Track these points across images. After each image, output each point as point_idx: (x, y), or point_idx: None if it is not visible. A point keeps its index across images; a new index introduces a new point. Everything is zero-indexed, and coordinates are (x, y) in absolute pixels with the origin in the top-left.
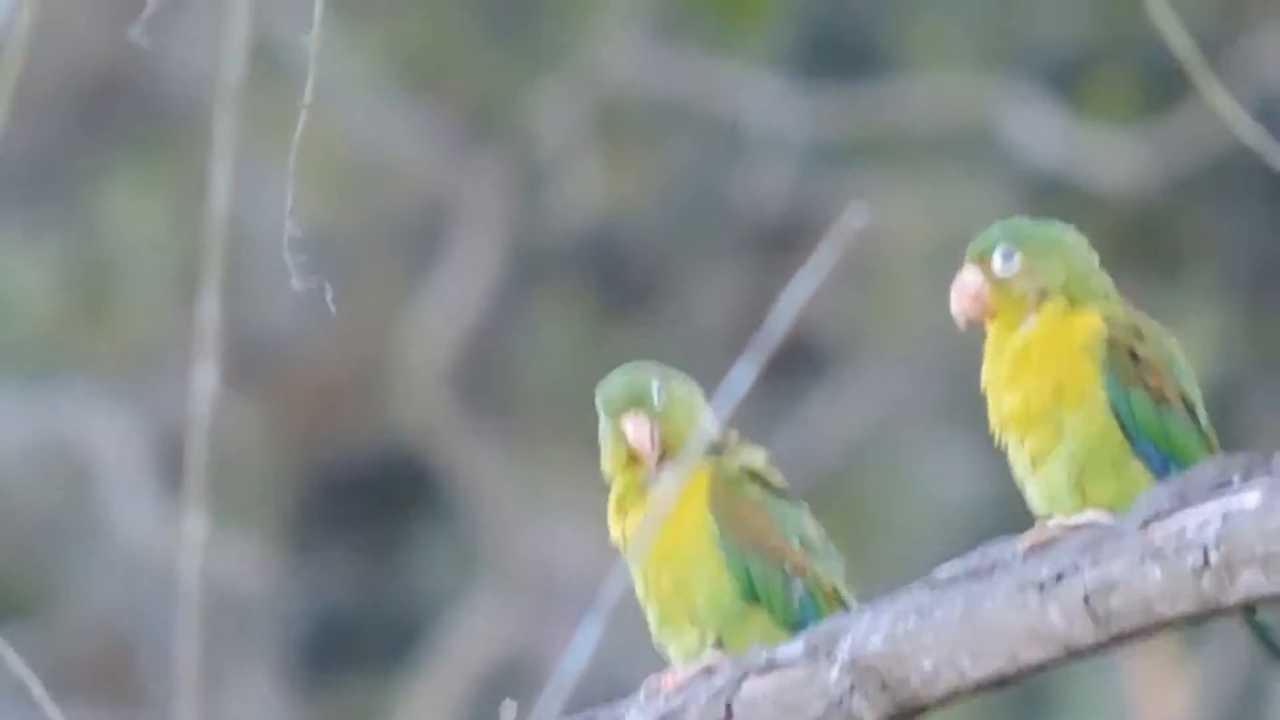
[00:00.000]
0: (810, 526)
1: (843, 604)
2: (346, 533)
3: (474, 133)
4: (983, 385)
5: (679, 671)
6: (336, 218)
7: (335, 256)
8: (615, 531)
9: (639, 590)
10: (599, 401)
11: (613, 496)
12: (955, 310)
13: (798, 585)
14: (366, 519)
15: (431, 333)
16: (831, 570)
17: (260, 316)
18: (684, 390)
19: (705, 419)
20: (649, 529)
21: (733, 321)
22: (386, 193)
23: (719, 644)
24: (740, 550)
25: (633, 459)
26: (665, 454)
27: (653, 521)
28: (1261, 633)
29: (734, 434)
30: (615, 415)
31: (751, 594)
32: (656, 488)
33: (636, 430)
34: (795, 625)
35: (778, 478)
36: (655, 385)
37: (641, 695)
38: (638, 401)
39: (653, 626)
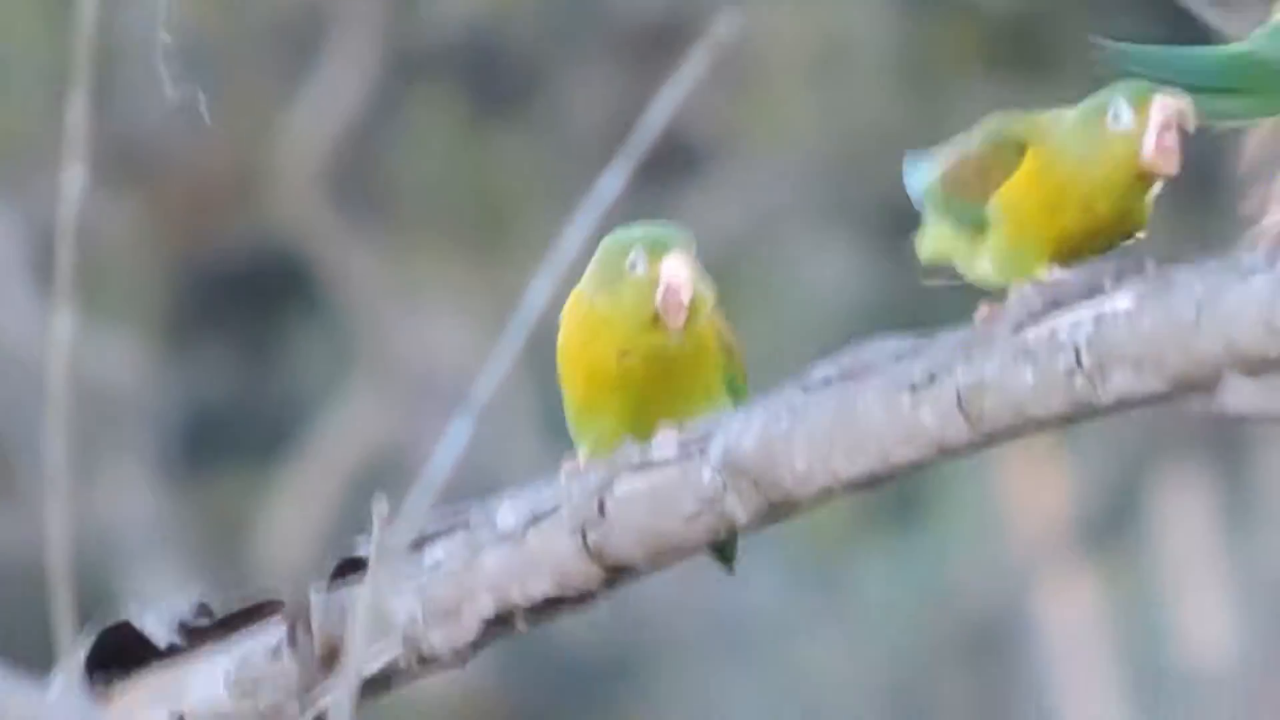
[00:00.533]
0: None
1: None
2: (222, 330)
3: None
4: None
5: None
6: (212, 20)
7: (211, 58)
8: (607, 365)
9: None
10: (622, 245)
11: (589, 318)
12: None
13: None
14: (242, 316)
15: (307, 133)
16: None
17: (136, 118)
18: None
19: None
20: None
21: (609, 124)
22: None
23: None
24: (738, 383)
25: (655, 320)
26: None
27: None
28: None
29: None
30: (658, 256)
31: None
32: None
33: (681, 271)
34: None
35: None
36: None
37: (562, 477)
38: (685, 246)
39: (593, 429)
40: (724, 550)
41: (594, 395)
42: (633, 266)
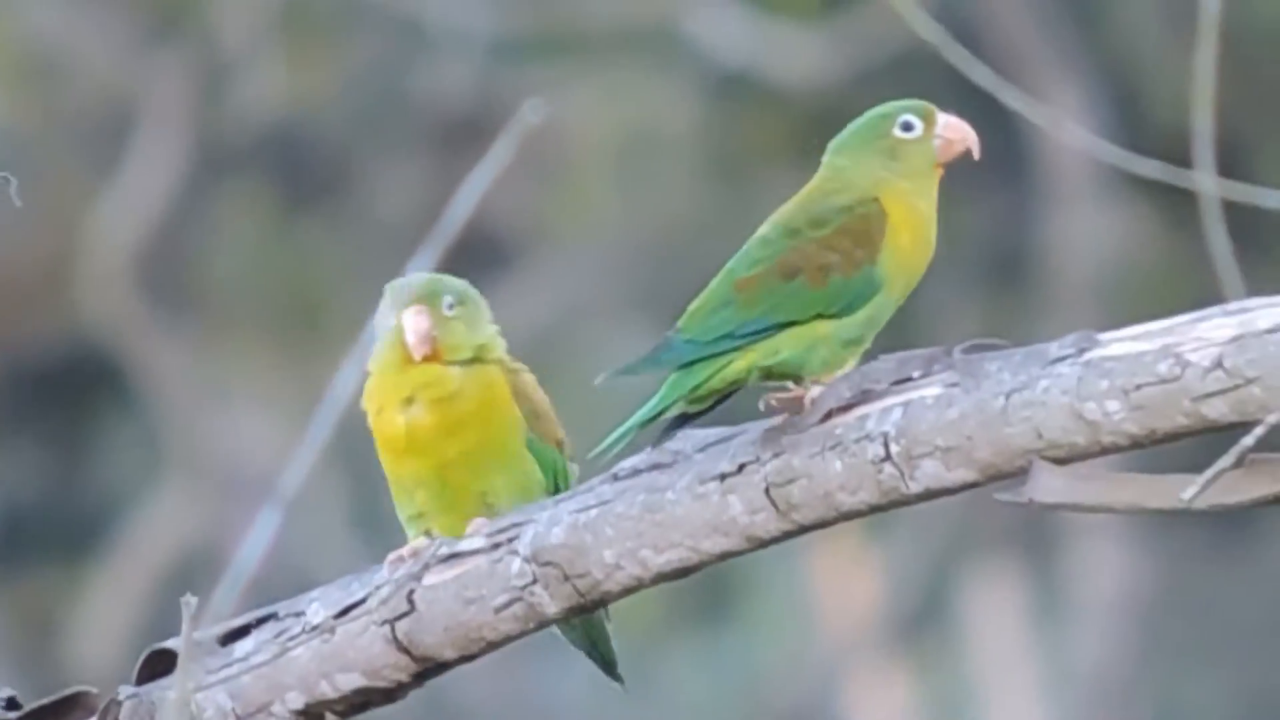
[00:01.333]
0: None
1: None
2: (32, 427)
3: (156, 30)
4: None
5: (416, 543)
6: (18, 115)
7: (18, 153)
8: (395, 425)
9: (403, 480)
10: (387, 295)
11: (372, 388)
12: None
13: (574, 468)
14: (52, 413)
15: (116, 228)
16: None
17: None
18: (473, 305)
19: (489, 330)
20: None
21: (416, 215)
22: (69, 90)
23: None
24: (546, 445)
25: (407, 358)
26: (434, 357)
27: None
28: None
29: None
30: (401, 308)
31: (554, 487)
32: (450, 386)
33: (417, 322)
34: None
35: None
36: (448, 299)
37: (386, 567)
38: (429, 298)
39: (412, 509)
40: (607, 663)
41: (396, 463)
42: (383, 321)
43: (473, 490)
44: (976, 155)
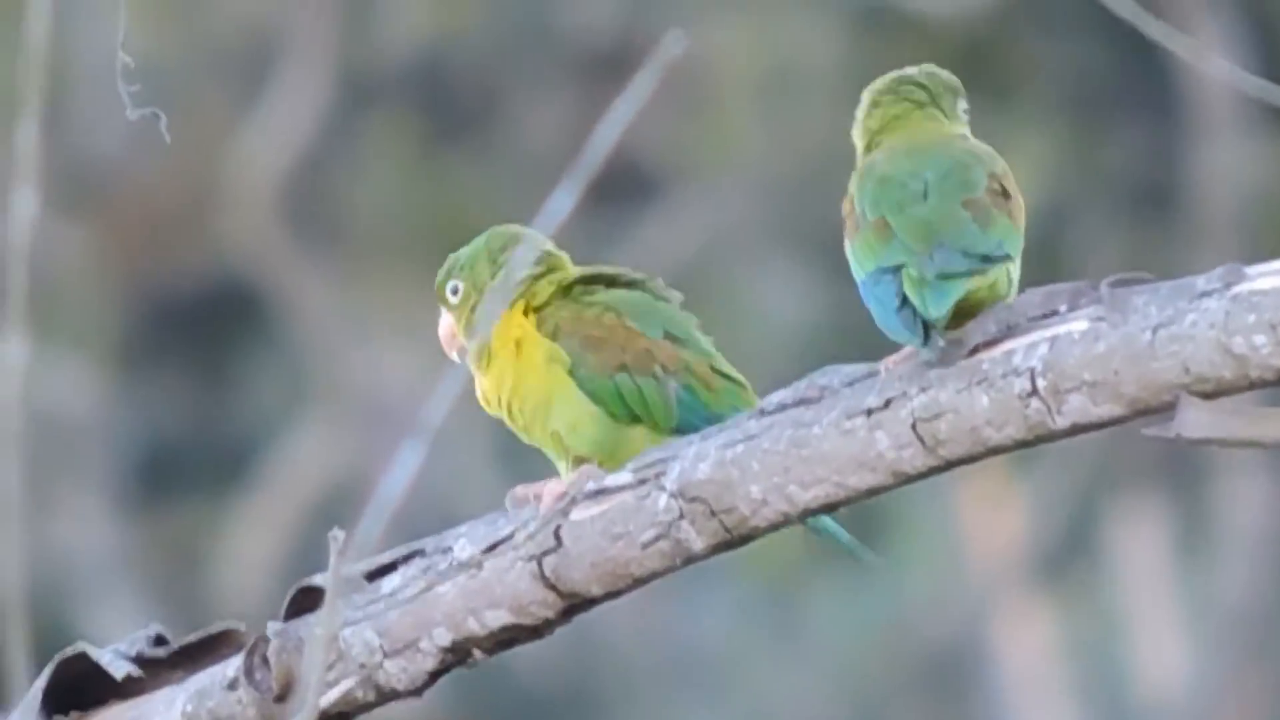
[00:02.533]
0: (670, 310)
1: (728, 380)
2: (176, 359)
3: None
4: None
5: (552, 484)
6: (164, 46)
7: (163, 84)
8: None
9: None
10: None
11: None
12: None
13: (673, 387)
14: (196, 344)
15: (260, 160)
16: (703, 351)
17: (89, 144)
18: (482, 268)
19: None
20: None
21: (561, 148)
22: (214, 21)
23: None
24: (601, 375)
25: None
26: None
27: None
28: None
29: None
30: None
31: (628, 414)
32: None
33: (441, 325)
34: (679, 429)
35: (625, 272)
36: (451, 285)
37: (508, 502)
38: (439, 291)
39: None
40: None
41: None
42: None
43: (550, 441)
44: None
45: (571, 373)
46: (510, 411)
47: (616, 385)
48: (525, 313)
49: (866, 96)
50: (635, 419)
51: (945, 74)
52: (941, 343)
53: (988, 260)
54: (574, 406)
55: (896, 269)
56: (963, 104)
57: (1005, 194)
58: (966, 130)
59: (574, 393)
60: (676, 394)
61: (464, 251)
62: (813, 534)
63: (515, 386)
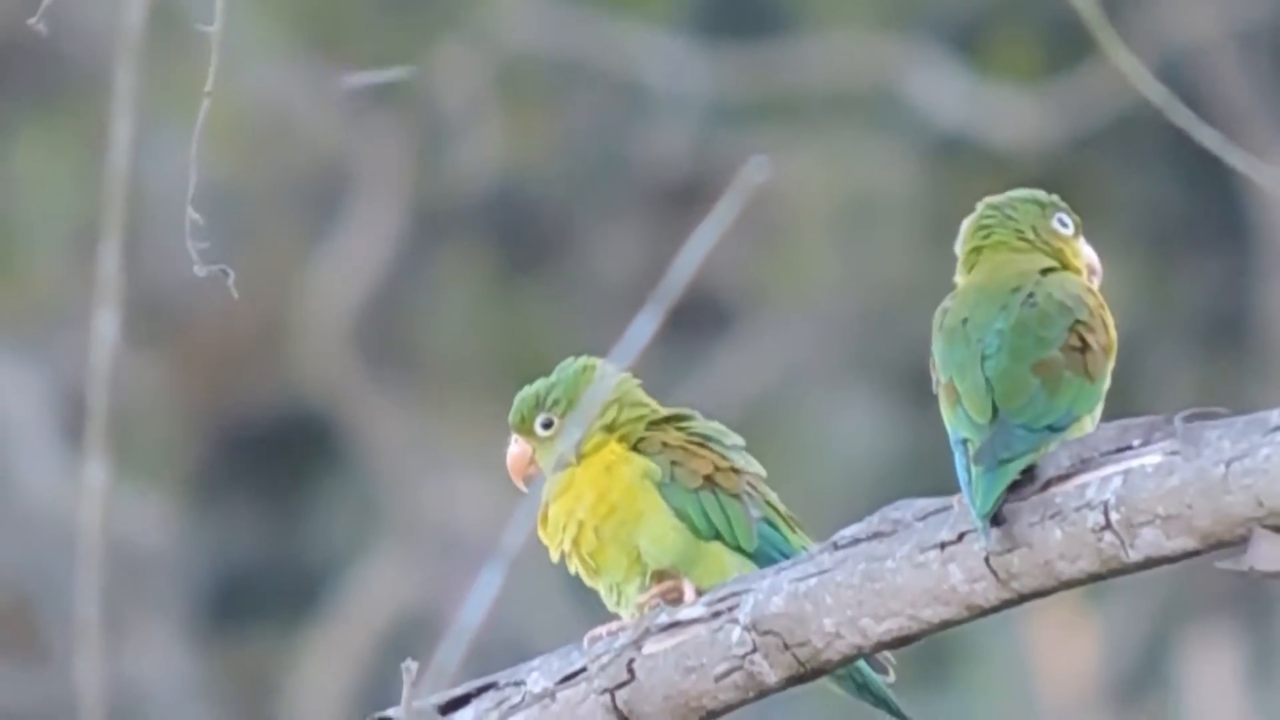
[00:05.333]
0: (746, 455)
1: (796, 527)
2: (249, 489)
3: (375, 93)
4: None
5: (622, 621)
6: (239, 177)
7: (238, 215)
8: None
9: (571, 566)
10: None
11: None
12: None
13: (754, 511)
14: (269, 475)
15: (333, 291)
16: (775, 497)
17: (163, 274)
18: (578, 403)
19: (604, 417)
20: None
21: (635, 279)
22: (288, 152)
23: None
24: (688, 489)
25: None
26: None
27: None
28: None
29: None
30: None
31: (710, 530)
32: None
33: (511, 454)
34: (756, 555)
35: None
36: (541, 418)
37: (585, 643)
38: (521, 426)
39: (595, 586)
40: (891, 709)
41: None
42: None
43: (625, 560)
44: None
45: (660, 486)
46: (580, 535)
47: (700, 500)
48: (616, 440)
49: (968, 220)
50: (716, 535)
51: (1036, 194)
52: (992, 543)
53: (1053, 430)
54: (660, 520)
55: (964, 441)
56: (1061, 218)
57: (1085, 346)
58: (1070, 247)
59: (661, 507)
60: (758, 523)
61: (550, 384)
62: (852, 692)
63: (595, 505)
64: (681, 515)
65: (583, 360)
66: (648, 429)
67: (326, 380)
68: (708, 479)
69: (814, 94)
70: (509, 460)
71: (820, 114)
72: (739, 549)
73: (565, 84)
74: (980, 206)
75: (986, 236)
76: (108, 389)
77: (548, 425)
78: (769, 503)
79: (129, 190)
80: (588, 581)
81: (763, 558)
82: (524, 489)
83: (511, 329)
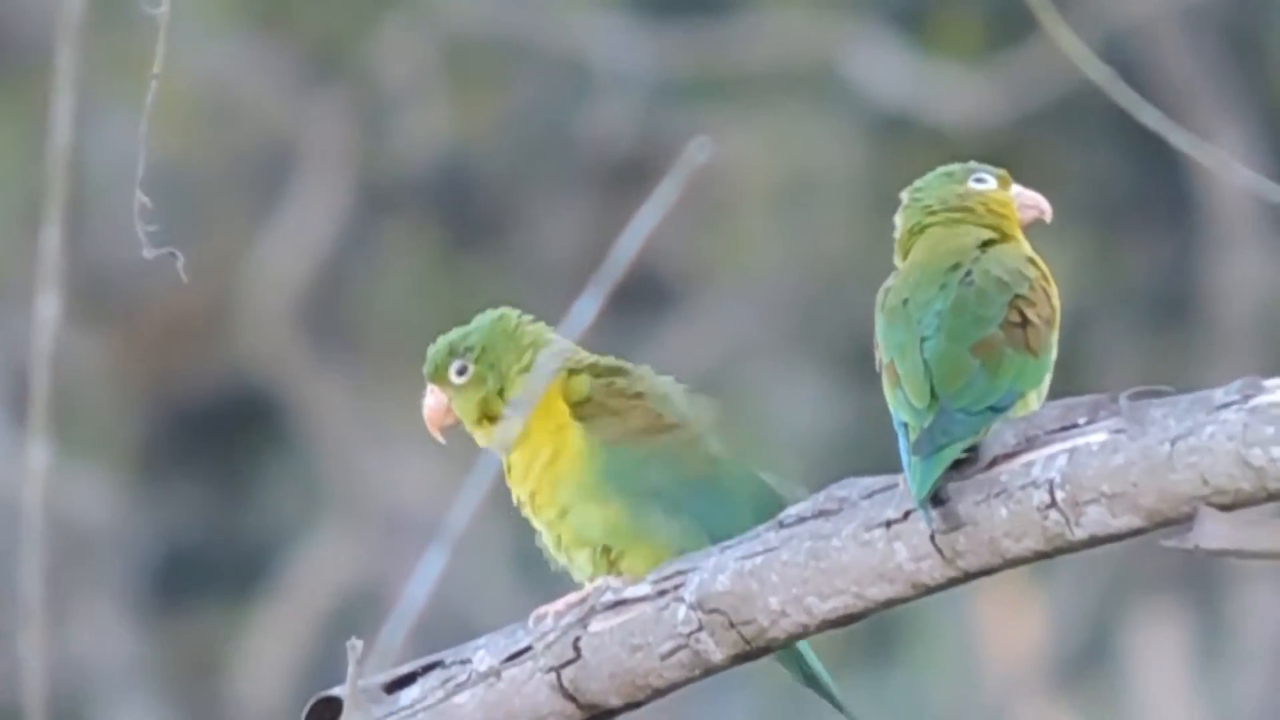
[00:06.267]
0: (680, 397)
1: (750, 462)
2: (194, 466)
3: (319, 70)
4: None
5: (569, 596)
6: (184, 154)
7: (183, 193)
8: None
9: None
10: None
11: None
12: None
13: (699, 466)
14: (214, 453)
15: (279, 268)
16: (715, 438)
17: (109, 251)
18: (497, 352)
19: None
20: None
21: (579, 256)
22: (233, 130)
23: (611, 566)
24: (628, 454)
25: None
26: (482, 420)
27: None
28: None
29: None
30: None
31: (653, 493)
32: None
33: (426, 405)
34: (706, 510)
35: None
36: (455, 364)
37: (531, 622)
38: (434, 374)
39: (549, 551)
40: (830, 696)
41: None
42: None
43: (570, 527)
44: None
45: (600, 457)
46: (534, 500)
47: (641, 464)
48: (559, 398)
49: (906, 195)
50: (659, 496)
51: (946, 167)
52: (934, 523)
53: (995, 410)
54: (595, 499)
55: (904, 424)
56: (978, 175)
57: (1025, 321)
58: (1000, 201)
59: (597, 484)
60: (703, 479)
61: (467, 333)
62: (799, 680)
63: (546, 466)
64: (623, 481)
65: (500, 310)
66: (592, 382)
67: (271, 358)
68: (644, 437)
69: (757, 72)
70: (425, 412)
71: (763, 92)
72: (684, 509)
73: (509, 61)
74: (904, 196)
75: (915, 221)
76: (50, 369)
77: (462, 372)
78: (708, 454)
79: (73, 170)
80: (540, 530)
81: (711, 513)
82: (440, 440)
83: (456, 305)
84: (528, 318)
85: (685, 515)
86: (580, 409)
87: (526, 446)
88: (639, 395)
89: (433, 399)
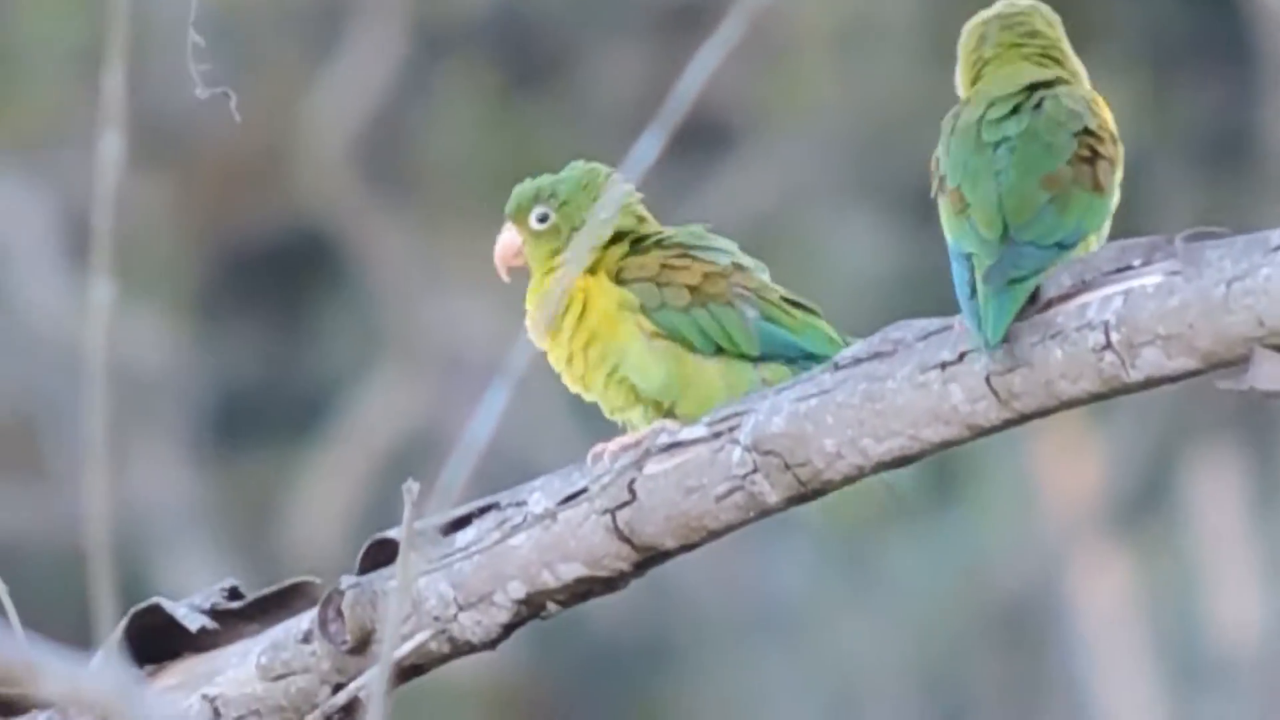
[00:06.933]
0: (732, 245)
1: (799, 308)
2: (252, 310)
3: None
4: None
5: (625, 437)
6: (239, 1)
7: (239, 39)
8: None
9: (572, 385)
10: None
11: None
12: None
13: (750, 312)
14: (272, 296)
15: (335, 112)
16: (769, 282)
17: (166, 96)
18: (577, 205)
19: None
20: (546, 320)
21: (639, 98)
22: None
23: (670, 414)
24: (678, 310)
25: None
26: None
27: (546, 315)
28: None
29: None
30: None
31: (710, 346)
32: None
33: (500, 240)
34: (763, 357)
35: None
36: (537, 210)
37: (589, 461)
38: (516, 214)
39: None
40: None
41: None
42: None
43: (620, 390)
44: None
45: (647, 313)
46: (573, 367)
47: (694, 319)
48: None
49: (970, 30)
50: (719, 350)
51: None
52: (997, 363)
53: (1062, 247)
54: (639, 350)
55: (969, 255)
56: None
57: (1095, 156)
58: (1079, 69)
59: (639, 336)
60: (755, 322)
61: (554, 181)
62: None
63: (583, 341)
64: (677, 337)
65: (592, 165)
66: (629, 253)
67: (329, 201)
68: (694, 291)
69: None
70: (497, 248)
71: None
72: (744, 356)
73: None
74: (997, 11)
75: (993, 46)
76: (112, 211)
77: (543, 219)
78: (764, 298)
79: (131, 13)
80: (586, 398)
81: (772, 357)
82: (505, 278)
83: (513, 148)
84: (617, 177)
85: (737, 361)
86: (620, 275)
87: (571, 310)
88: (682, 248)
89: (508, 235)
